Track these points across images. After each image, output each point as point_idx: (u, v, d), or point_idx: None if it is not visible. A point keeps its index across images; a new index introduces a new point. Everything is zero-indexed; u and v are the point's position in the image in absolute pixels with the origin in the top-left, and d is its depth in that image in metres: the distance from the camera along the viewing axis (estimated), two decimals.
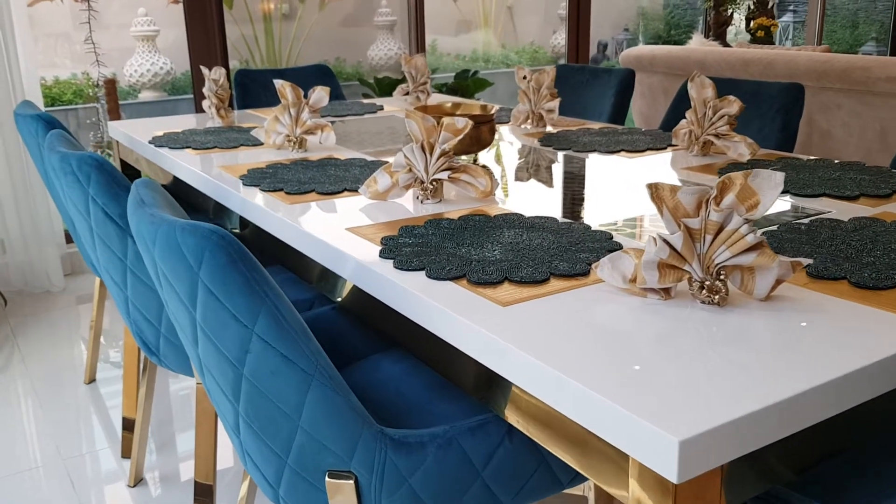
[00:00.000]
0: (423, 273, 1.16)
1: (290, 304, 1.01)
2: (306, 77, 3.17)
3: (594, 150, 2.05)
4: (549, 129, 2.40)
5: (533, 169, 1.93)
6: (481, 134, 1.92)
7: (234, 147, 2.15)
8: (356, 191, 1.65)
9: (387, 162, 1.91)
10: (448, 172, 1.53)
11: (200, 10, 3.74)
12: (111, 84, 3.43)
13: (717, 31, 4.69)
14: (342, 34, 7.32)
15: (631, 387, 0.81)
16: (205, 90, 2.55)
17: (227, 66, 3.88)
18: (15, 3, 3.16)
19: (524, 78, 2.42)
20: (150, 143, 2.23)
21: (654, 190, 1.00)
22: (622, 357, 0.88)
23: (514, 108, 2.51)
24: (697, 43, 4.04)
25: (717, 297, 1.00)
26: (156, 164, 2.23)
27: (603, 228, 1.38)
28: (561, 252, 1.23)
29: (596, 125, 2.42)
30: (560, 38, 9.21)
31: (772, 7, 5.01)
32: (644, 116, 3.68)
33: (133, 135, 2.40)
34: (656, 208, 1.01)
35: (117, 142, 2.61)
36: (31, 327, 3.11)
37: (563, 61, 9.25)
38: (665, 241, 1.00)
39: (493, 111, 1.99)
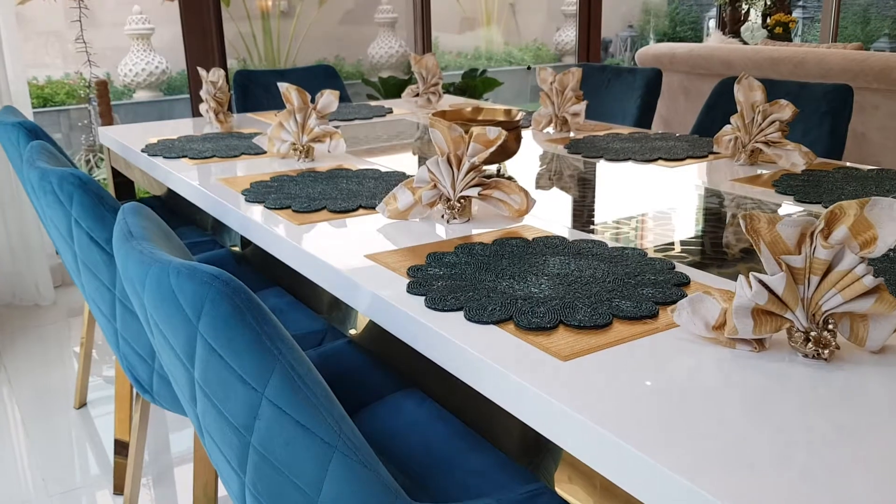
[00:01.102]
0: (461, 314, 0.99)
1: (307, 361, 0.83)
2: (309, 78, 2.99)
3: (628, 159, 1.88)
4: (573, 133, 2.23)
5: (560, 179, 1.76)
6: (507, 142, 1.75)
7: (235, 156, 1.97)
8: (373, 208, 1.47)
9: (403, 173, 1.73)
10: (478, 189, 1.35)
11: (196, 7, 3.56)
12: (103, 85, 3.25)
13: (733, 27, 4.52)
14: (342, 32, 7.14)
15: (721, 466, 0.64)
16: (202, 93, 2.37)
17: (225, 66, 3.70)
18: (1, 3, 2.97)
19: (548, 80, 2.24)
20: (143, 151, 2.06)
21: (750, 222, 0.83)
22: (708, 426, 0.71)
23: (534, 112, 2.33)
24: (717, 40, 3.88)
25: (826, 350, 0.83)
26: (150, 174, 2.05)
27: (660, 254, 1.21)
28: (619, 286, 1.05)
29: (624, 129, 2.25)
30: (564, 36, 9.04)
31: (788, 2, 4.84)
32: (663, 118, 3.52)
33: (125, 142, 2.22)
34: (752, 243, 0.83)
35: (108, 149, 2.43)
36: (20, 344, 2.93)
37: (568, 59, 9.07)
38: (763, 283, 0.83)
39: (518, 117, 1.81)
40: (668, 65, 3.53)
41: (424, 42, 4.25)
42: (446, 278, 1.10)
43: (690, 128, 3.65)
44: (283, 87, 1.89)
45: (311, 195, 1.57)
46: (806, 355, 0.85)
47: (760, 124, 1.73)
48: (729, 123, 1.85)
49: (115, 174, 2.47)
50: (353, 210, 1.47)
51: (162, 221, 1.09)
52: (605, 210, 1.48)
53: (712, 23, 9.03)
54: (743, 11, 4.61)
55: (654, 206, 1.50)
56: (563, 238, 1.26)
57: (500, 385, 0.86)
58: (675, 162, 1.84)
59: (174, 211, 2.19)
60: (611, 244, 1.24)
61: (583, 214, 1.45)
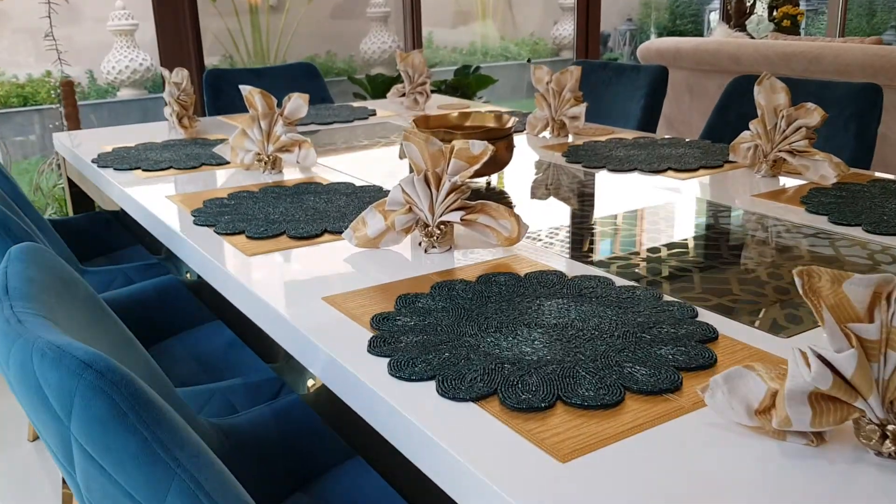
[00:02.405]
0: (432, 384, 0.78)
1: (218, 469, 0.63)
2: (288, 77, 2.78)
3: (634, 169, 1.67)
4: (572, 139, 2.02)
5: (557, 193, 1.55)
6: (497, 152, 1.54)
7: (194, 167, 1.76)
8: (339, 233, 1.27)
9: (380, 188, 1.52)
10: (460, 213, 1.15)
11: (171, 2, 3.34)
12: (68, 86, 3.04)
13: (738, 21, 4.31)
14: (333, 27, 6.92)
15: None
16: (164, 95, 2.16)
17: (202, 64, 3.48)
18: None
19: (544, 80, 2.03)
20: (93, 161, 1.85)
21: (808, 280, 0.62)
22: None
23: (529, 115, 2.12)
24: (723, 34, 3.66)
25: None
26: (99, 188, 1.84)
27: (676, 295, 1.00)
28: (630, 342, 0.85)
29: (628, 134, 2.04)
30: (561, 30, 8.82)
31: None
32: (666, 119, 3.31)
33: (78, 150, 2.01)
34: (812, 308, 0.63)
35: (64, 159, 2.22)
36: None
37: (565, 53, 8.85)
38: (826, 362, 0.62)
39: (510, 123, 1.61)
40: (672, 61, 3.32)
41: (415, 37, 4.04)
42: (418, 331, 0.89)
43: (696, 129, 3.45)
44: (245, 90, 1.68)
45: (271, 216, 1.36)
46: (880, 454, 0.64)
47: (784, 131, 1.52)
48: (747, 129, 1.64)
49: (72, 184, 2.26)
50: (317, 235, 1.27)
51: (66, 268, 0.88)
52: (610, 233, 1.28)
53: (713, 16, 8.81)
54: (749, 3, 4.39)
55: (665, 229, 1.29)
56: (561, 274, 1.06)
57: (482, 494, 0.65)
58: (686, 173, 1.63)
59: (129, 227, 1.98)
60: (618, 281, 1.03)
61: (583, 239, 1.25)
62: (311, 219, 1.34)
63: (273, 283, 1.08)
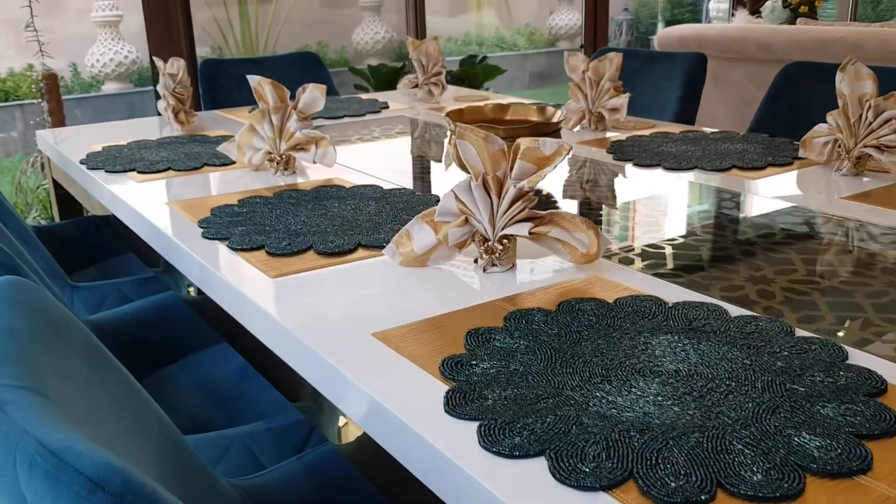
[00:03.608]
0: (540, 462, 0.59)
1: None
2: (288, 67, 2.58)
3: (694, 167, 1.48)
4: (612, 133, 1.84)
5: (611, 196, 1.37)
6: None
7: (196, 168, 1.56)
8: (377, 247, 1.08)
9: (412, 192, 1.33)
10: (528, 225, 0.96)
11: None
12: (52, 79, 2.82)
13: (753, 8, 4.13)
14: (324, 16, 6.71)
15: None
16: (159, 88, 1.96)
17: (193, 55, 3.27)
18: None
19: (580, 69, 1.84)
20: (82, 162, 1.64)
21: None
22: None
23: (563, 106, 1.93)
24: (743, 21, 3.49)
25: None
26: (89, 192, 1.64)
27: (808, 328, 0.82)
28: (781, 397, 0.66)
29: (674, 128, 1.85)
30: (558, 19, 8.63)
31: None
32: None
33: (63, 149, 1.80)
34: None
35: (48, 159, 2.01)
36: None
37: (562, 43, 8.66)
38: None
39: (557, 116, 1.42)
40: (694, 49, 3.13)
41: (418, 26, 3.84)
42: (503, 381, 0.70)
43: (720, 119, 3.28)
44: (253, 80, 1.48)
45: (292, 227, 1.17)
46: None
47: (871, 123, 1.34)
48: (824, 122, 1.46)
49: (58, 186, 2.05)
50: (350, 251, 1.07)
51: (56, 306, 0.68)
52: (693, 246, 1.09)
53: (713, 4, 8.64)
54: None
55: (757, 241, 1.11)
56: (658, 299, 0.87)
57: None
58: (753, 171, 1.45)
59: (121, 235, 1.78)
60: (731, 309, 0.85)
61: (664, 254, 1.06)
62: (339, 230, 1.15)
63: (306, 313, 0.89)
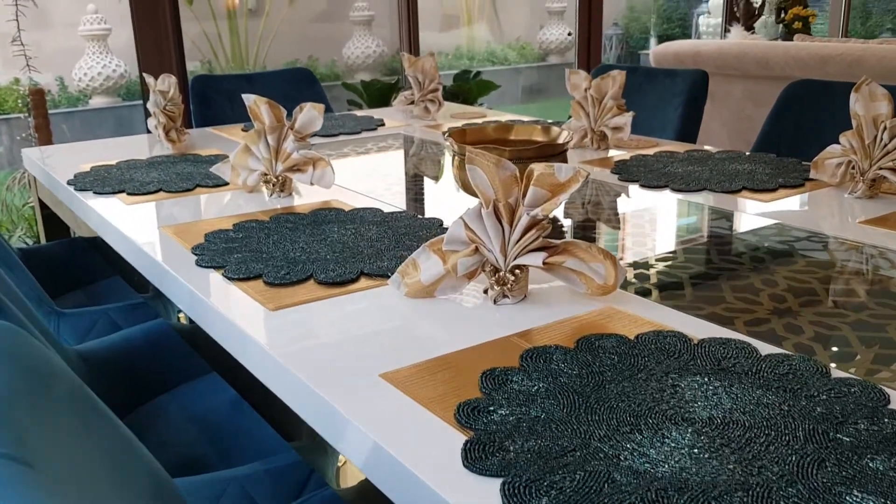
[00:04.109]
0: None
1: None
2: (282, 84, 2.53)
3: (703, 188, 1.44)
4: (615, 152, 1.80)
5: (618, 218, 1.32)
6: None
7: (188, 190, 1.51)
8: (381, 276, 1.02)
9: (414, 215, 1.28)
10: (541, 255, 0.91)
11: (150, 3, 3.07)
12: (38, 95, 2.76)
13: (747, 23, 4.13)
14: (314, 31, 6.67)
15: None
16: (149, 105, 1.91)
17: (184, 70, 3.22)
18: None
19: (582, 86, 1.80)
20: (69, 183, 1.59)
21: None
22: None
23: (563, 124, 1.89)
24: (738, 38, 3.47)
25: None
26: (77, 215, 1.58)
27: (846, 368, 0.77)
28: (825, 449, 0.61)
29: (678, 147, 1.81)
30: (548, 34, 8.63)
31: None
32: None
33: (51, 169, 1.75)
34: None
35: (34, 178, 1.95)
36: None
37: (552, 58, 8.66)
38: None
39: (563, 137, 1.37)
40: (690, 65, 3.11)
41: (411, 41, 3.80)
42: (525, 431, 0.65)
43: (716, 136, 3.25)
44: (249, 99, 1.43)
45: (290, 254, 1.11)
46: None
47: (886, 145, 1.30)
48: (829, 140, 1.43)
49: (44, 206, 1.99)
50: (353, 280, 1.02)
51: (41, 353, 0.63)
52: (711, 275, 1.05)
53: (702, 19, 8.67)
54: (757, 6, 4.21)
55: (776, 269, 1.07)
56: (682, 335, 0.82)
57: None
58: (765, 193, 1.41)
59: (110, 258, 1.72)
60: (760, 346, 0.80)
61: (682, 283, 1.02)
62: (340, 257, 1.10)
63: (307, 350, 0.84)
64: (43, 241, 2.02)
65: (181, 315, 1.58)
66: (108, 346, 1.30)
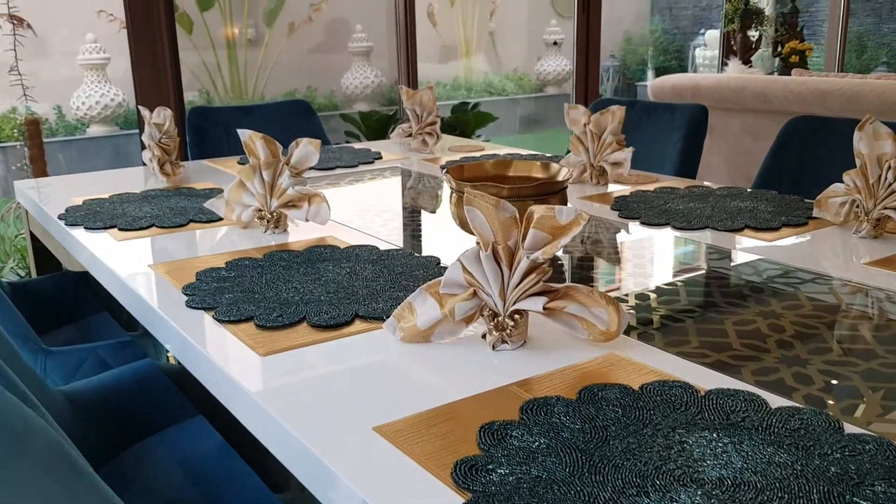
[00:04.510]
0: None
1: None
2: (279, 116, 2.52)
3: (705, 226, 1.42)
4: (614, 187, 1.78)
5: (619, 258, 1.30)
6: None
7: (181, 225, 1.48)
8: (376, 319, 0.99)
9: (411, 253, 1.26)
10: (542, 299, 0.88)
11: (148, 35, 3.07)
12: (34, 125, 2.75)
13: (744, 56, 4.14)
14: (313, 61, 6.70)
15: None
16: (144, 138, 1.89)
17: (181, 99, 3.21)
18: None
19: (581, 121, 1.79)
20: (60, 218, 1.56)
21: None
22: None
23: (562, 159, 1.88)
24: (736, 71, 3.48)
25: None
26: (68, 251, 1.55)
27: (860, 423, 0.74)
28: None
29: (679, 182, 1.79)
30: (545, 65, 8.68)
31: (801, 29, 4.48)
32: None
33: (43, 202, 1.72)
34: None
35: (26, 211, 1.92)
36: None
37: (550, 89, 8.70)
38: None
39: (562, 174, 1.35)
40: (688, 98, 3.11)
41: (409, 72, 3.81)
42: (526, 492, 0.62)
43: (714, 169, 3.24)
44: (244, 135, 1.41)
45: (283, 294, 1.08)
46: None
47: (891, 184, 1.28)
48: (831, 177, 1.41)
49: (35, 239, 1.96)
50: (347, 323, 0.99)
51: (17, 410, 0.59)
52: (717, 319, 1.02)
53: (699, 52, 8.74)
54: (754, 39, 4.23)
55: (785, 314, 1.04)
56: (688, 386, 0.79)
57: None
58: (768, 232, 1.38)
59: (99, 294, 1.69)
60: (770, 398, 0.77)
61: (686, 328, 0.99)
62: (334, 298, 1.07)
63: (298, 399, 0.81)
64: (34, 274, 1.99)
65: (170, 355, 1.54)
66: (94, 387, 1.26)
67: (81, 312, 1.76)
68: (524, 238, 0.89)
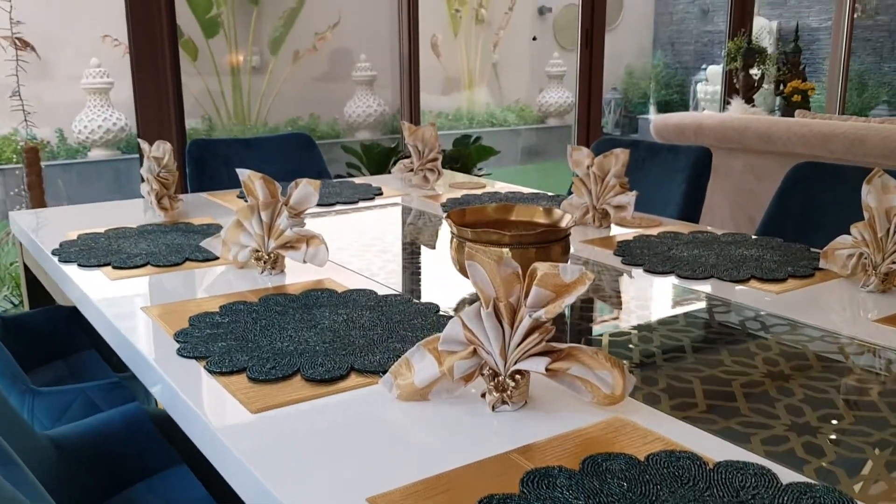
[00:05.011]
0: None
1: None
2: (280, 149, 2.50)
3: (710, 276, 1.39)
4: (617, 230, 1.75)
5: (630, 311, 1.27)
6: (551, 257, 1.26)
7: (177, 264, 1.46)
8: (373, 373, 0.96)
9: (409, 299, 1.23)
10: (544, 360, 0.85)
11: (151, 59, 3.07)
12: (33, 153, 2.73)
13: (746, 95, 4.15)
14: (316, 89, 6.72)
15: None
16: (143, 171, 1.87)
17: (182, 127, 3.19)
18: None
19: (584, 163, 1.77)
20: (54, 253, 1.53)
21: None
22: None
23: (564, 201, 1.86)
24: (738, 111, 3.48)
25: None
26: (60, 287, 1.53)
27: (872, 500, 0.71)
28: None
29: (682, 227, 1.77)
30: (548, 97, 8.72)
31: (803, 68, 4.50)
32: None
33: (37, 235, 1.70)
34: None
35: (20, 244, 1.90)
36: None
37: (551, 120, 8.73)
38: None
39: (565, 221, 1.33)
40: (691, 137, 3.11)
41: (412, 103, 3.80)
42: None
43: (717, 210, 3.22)
44: (243, 174, 1.39)
45: (276, 343, 1.05)
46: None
47: None
48: (835, 225, 1.39)
49: (28, 271, 1.93)
50: (342, 377, 0.96)
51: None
52: (725, 379, 0.99)
53: (700, 86, 8.78)
54: (757, 78, 4.25)
55: (793, 376, 1.01)
56: (695, 456, 0.76)
57: None
58: (774, 284, 1.36)
59: (90, 330, 1.66)
60: (782, 473, 0.73)
61: (693, 389, 0.96)
62: (330, 348, 1.04)
63: (290, 464, 0.77)
64: (27, 306, 1.96)
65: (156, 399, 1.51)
66: (81, 431, 1.23)
67: (72, 348, 1.72)
68: (527, 295, 0.86)
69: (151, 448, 1.23)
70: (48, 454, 1.17)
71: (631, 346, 1.10)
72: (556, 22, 8.75)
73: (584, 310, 1.30)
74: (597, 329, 1.23)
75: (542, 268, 0.85)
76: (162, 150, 1.85)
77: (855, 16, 5.58)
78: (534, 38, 8.42)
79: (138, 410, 1.26)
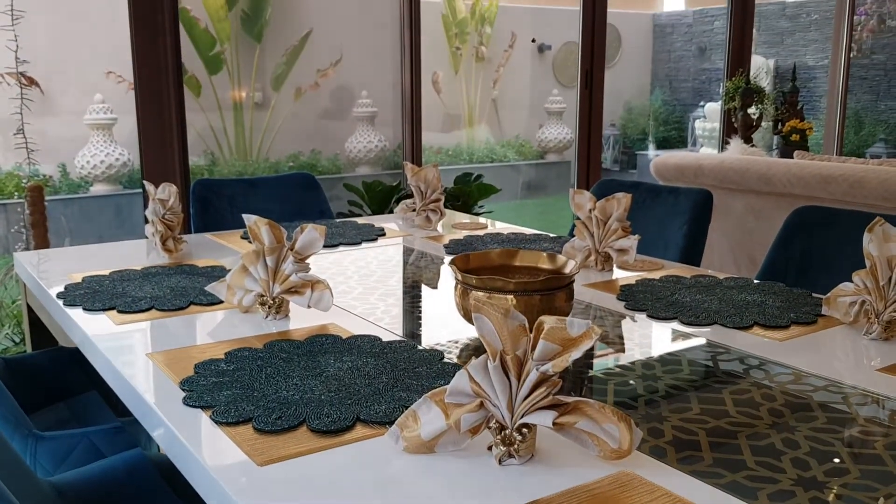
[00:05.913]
0: None
1: None
2: (283, 188, 2.52)
3: (713, 322, 1.40)
4: (619, 273, 1.76)
5: (632, 360, 1.27)
6: (556, 304, 1.27)
7: (181, 308, 1.46)
8: (380, 424, 0.96)
9: (414, 345, 1.23)
10: (551, 414, 0.86)
11: (156, 95, 3.09)
12: (37, 191, 2.75)
13: (745, 134, 4.18)
14: (318, 125, 6.78)
15: None
16: (147, 213, 1.88)
17: (186, 164, 3.21)
18: None
19: (586, 207, 1.78)
20: (59, 297, 1.54)
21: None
22: None
23: (566, 244, 1.87)
24: (737, 150, 3.51)
25: None
26: (65, 331, 1.53)
27: None
28: None
29: (685, 271, 1.78)
30: (547, 133, 8.79)
31: (801, 108, 4.55)
32: None
33: (42, 278, 1.70)
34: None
35: (24, 284, 1.90)
36: None
37: (551, 156, 8.79)
38: None
39: (569, 268, 1.34)
40: (691, 178, 3.13)
41: (413, 140, 3.84)
42: None
43: (717, 250, 3.24)
44: (249, 220, 1.40)
45: (282, 393, 1.06)
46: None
47: None
48: (836, 270, 1.40)
49: (31, 311, 1.93)
50: (347, 428, 0.96)
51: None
52: (731, 431, 0.99)
53: (699, 123, 8.85)
54: (755, 117, 4.29)
55: (801, 429, 1.01)
56: None
57: None
58: (777, 331, 1.36)
59: (94, 374, 1.66)
60: None
61: (700, 443, 0.96)
62: (335, 398, 1.04)
63: None
64: (29, 346, 1.96)
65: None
66: (84, 478, 1.22)
67: (75, 390, 1.72)
68: (534, 348, 0.87)
69: (155, 495, 1.23)
70: (51, 501, 1.17)
71: (637, 397, 1.11)
72: (556, 59, 8.85)
73: (587, 356, 1.30)
74: (599, 377, 1.23)
75: (549, 321, 0.86)
76: (167, 192, 1.86)
77: (851, 55, 5.65)
78: (533, 41, 8.49)
79: (141, 457, 1.26)
